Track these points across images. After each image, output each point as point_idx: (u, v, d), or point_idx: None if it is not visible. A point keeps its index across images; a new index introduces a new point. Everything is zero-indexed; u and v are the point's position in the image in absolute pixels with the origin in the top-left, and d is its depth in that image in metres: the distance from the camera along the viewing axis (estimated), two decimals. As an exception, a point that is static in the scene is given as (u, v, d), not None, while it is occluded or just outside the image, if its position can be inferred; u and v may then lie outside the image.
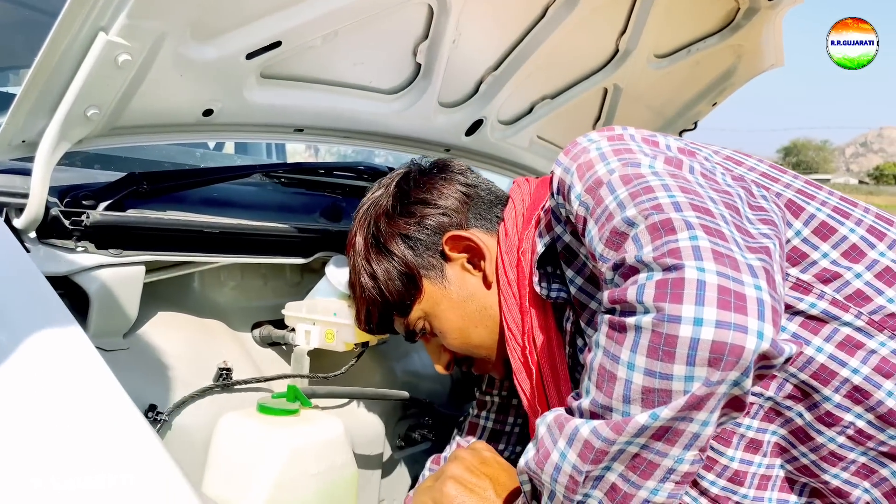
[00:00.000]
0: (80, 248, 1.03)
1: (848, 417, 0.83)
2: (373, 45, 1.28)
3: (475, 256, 1.09)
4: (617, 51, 1.71)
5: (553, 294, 0.98)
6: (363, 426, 1.33)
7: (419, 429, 1.46)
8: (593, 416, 0.69)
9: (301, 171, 1.41)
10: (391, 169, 1.65)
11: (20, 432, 0.67)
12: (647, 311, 0.63)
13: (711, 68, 1.92)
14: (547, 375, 1.00)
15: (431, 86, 1.43)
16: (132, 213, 1.09)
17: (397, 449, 1.44)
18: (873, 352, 0.82)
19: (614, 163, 0.81)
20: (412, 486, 1.43)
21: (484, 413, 1.28)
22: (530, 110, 1.76)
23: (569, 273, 0.95)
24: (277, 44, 1.11)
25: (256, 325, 1.35)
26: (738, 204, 0.76)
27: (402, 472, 1.44)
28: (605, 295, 0.69)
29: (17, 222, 0.98)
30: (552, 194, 0.91)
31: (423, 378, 1.51)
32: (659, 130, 2.08)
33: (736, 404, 0.66)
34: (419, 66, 1.39)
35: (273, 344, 1.34)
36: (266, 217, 1.28)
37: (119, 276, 1.06)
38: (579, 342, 1.00)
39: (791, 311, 0.85)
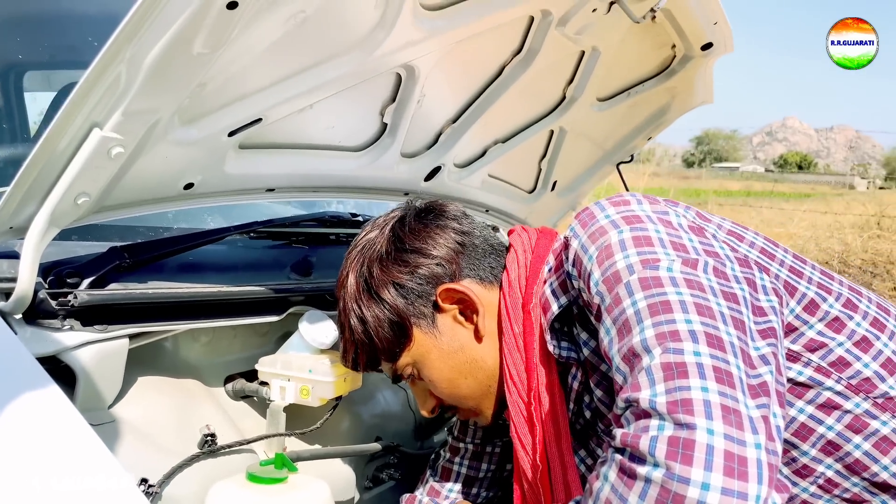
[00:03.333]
0: (66, 327, 1.04)
1: (820, 469, 0.96)
2: (344, 110, 1.32)
3: (467, 309, 1.09)
4: (564, 97, 1.80)
5: (564, 354, 1.03)
6: (337, 473, 1.38)
7: (386, 469, 1.52)
8: None
9: (271, 225, 1.44)
10: (354, 215, 1.71)
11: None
12: (657, 466, 0.70)
13: (648, 107, 2.04)
14: (549, 432, 1.05)
15: (396, 141, 1.49)
16: (117, 290, 1.10)
17: (366, 490, 1.50)
18: (848, 412, 0.94)
19: (633, 257, 0.87)
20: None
21: (458, 459, 1.35)
22: (483, 153, 1.83)
23: (583, 336, 1.01)
24: (258, 120, 1.14)
25: (229, 379, 1.38)
26: (744, 317, 0.83)
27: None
28: (618, 434, 0.75)
29: (5, 306, 0.99)
30: (567, 262, 0.96)
31: (389, 418, 1.57)
32: (599, 161, 2.22)
33: None
34: (385, 125, 1.44)
35: (245, 397, 1.38)
36: (241, 276, 1.31)
37: (104, 351, 1.08)
38: (586, 399, 1.06)
39: None
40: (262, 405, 1.36)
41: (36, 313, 1.02)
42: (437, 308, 1.10)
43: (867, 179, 63.99)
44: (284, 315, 1.35)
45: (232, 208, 1.50)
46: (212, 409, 1.28)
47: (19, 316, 1.02)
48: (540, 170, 2.09)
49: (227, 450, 1.19)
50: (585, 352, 1.02)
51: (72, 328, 1.05)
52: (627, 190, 2.47)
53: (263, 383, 1.34)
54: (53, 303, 1.03)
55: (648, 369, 0.76)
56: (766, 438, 0.72)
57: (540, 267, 1.08)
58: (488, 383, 1.11)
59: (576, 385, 1.06)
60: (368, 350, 1.12)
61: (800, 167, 78.96)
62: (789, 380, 0.95)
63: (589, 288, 0.90)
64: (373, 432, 1.49)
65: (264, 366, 1.33)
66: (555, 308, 1.02)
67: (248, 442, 1.23)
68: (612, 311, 0.85)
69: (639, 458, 0.72)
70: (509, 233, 1.18)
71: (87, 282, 1.08)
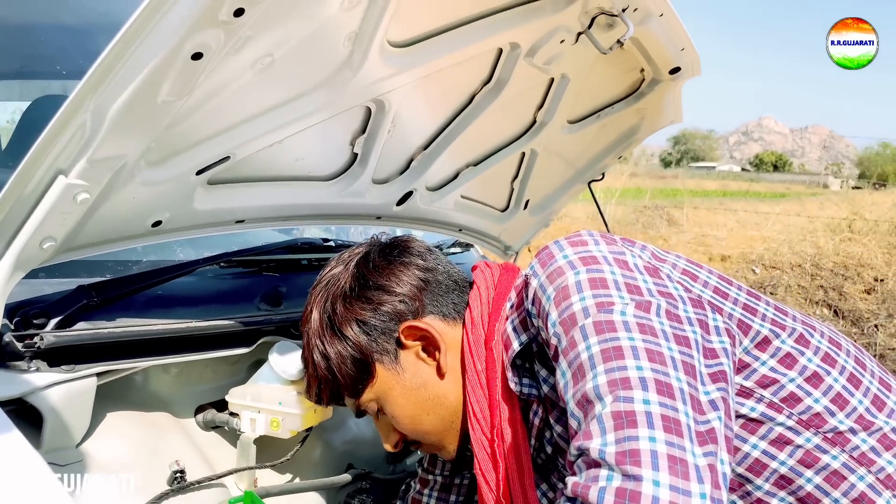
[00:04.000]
0: (33, 369, 1.04)
1: (773, 502, 0.98)
2: (314, 142, 1.33)
3: (430, 345, 1.11)
4: (535, 122, 1.82)
5: (525, 391, 1.05)
6: (308, 502, 1.39)
7: (358, 495, 1.53)
8: None
9: (241, 255, 1.44)
10: (325, 240, 1.71)
11: None
12: None
13: (618, 127, 2.06)
14: (512, 468, 1.07)
15: (367, 170, 1.49)
16: (84, 329, 1.10)
17: (337, 517, 1.50)
18: (799, 447, 0.96)
19: (589, 300, 0.89)
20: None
21: (427, 490, 1.36)
22: (455, 176, 1.84)
23: (542, 373, 1.03)
24: (227, 158, 1.14)
25: (200, 409, 1.38)
26: (694, 361, 0.86)
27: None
28: (570, 482, 0.78)
29: (-31, 350, 0.99)
30: (528, 300, 0.98)
31: (361, 445, 1.58)
32: (570, 180, 2.24)
33: None
34: (356, 154, 1.45)
35: (215, 427, 1.38)
36: (210, 309, 1.31)
37: (72, 392, 1.08)
38: (546, 435, 1.08)
39: (735, 414, 0.97)
40: (232, 435, 1.37)
41: (2, 355, 1.02)
42: (399, 345, 1.11)
43: (841, 179, 64.87)
44: (255, 346, 1.35)
45: (202, 237, 1.50)
46: (182, 442, 1.28)
47: (-16, 358, 1.01)
48: (512, 189, 2.11)
49: (198, 485, 1.20)
50: (545, 388, 1.04)
51: (38, 369, 1.05)
52: (599, 208, 2.49)
53: (234, 414, 1.34)
54: (19, 345, 1.03)
55: (600, 417, 0.79)
56: (712, 487, 0.74)
57: (502, 304, 1.10)
58: (451, 419, 1.13)
59: (537, 421, 1.08)
60: (332, 385, 1.13)
61: (775, 167, 79.88)
62: (742, 416, 0.97)
63: (547, 328, 0.92)
64: (344, 459, 1.50)
65: (234, 397, 1.34)
66: (516, 345, 1.04)
67: (219, 477, 1.23)
68: (567, 354, 0.88)
69: None
70: (473, 268, 1.20)
71: (53, 322, 1.08)
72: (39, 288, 1.14)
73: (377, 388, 1.12)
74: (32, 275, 1.12)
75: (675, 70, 1.78)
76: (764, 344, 0.99)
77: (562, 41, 1.47)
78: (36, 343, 1.03)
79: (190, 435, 1.32)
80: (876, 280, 7.95)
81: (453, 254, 2.42)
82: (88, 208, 0.99)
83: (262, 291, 1.43)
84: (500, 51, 1.45)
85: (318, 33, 1.06)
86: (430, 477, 1.37)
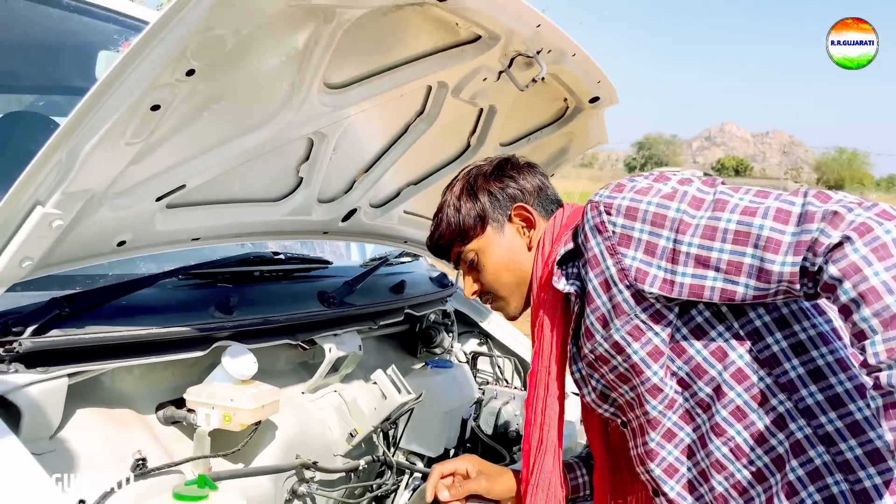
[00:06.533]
0: (12, 370, 1.20)
1: (731, 432, 1.21)
2: (262, 169, 1.51)
3: (528, 226, 1.49)
4: (469, 145, 2.01)
5: (568, 287, 1.36)
6: (257, 489, 1.56)
7: (304, 483, 1.70)
8: None
9: (198, 268, 1.61)
10: (276, 254, 1.88)
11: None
12: None
13: (549, 148, 2.26)
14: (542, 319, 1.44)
15: (311, 191, 1.68)
16: (57, 336, 1.27)
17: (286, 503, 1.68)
18: (754, 384, 1.20)
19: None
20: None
21: None
22: (398, 194, 2.03)
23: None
24: (182, 186, 1.32)
25: (160, 406, 1.54)
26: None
27: (290, 522, 1.69)
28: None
29: (-44, 354, 1.15)
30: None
31: (308, 437, 1.76)
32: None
33: None
34: (301, 178, 1.63)
35: (174, 422, 1.55)
36: (169, 317, 1.48)
37: (46, 390, 1.24)
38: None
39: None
40: (190, 429, 1.53)
41: (-16, 359, 1.18)
42: (509, 218, 1.49)
43: (799, 183, 66.46)
44: (209, 350, 1.52)
45: (162, 254, 1.66)
46: (144, 435, 1.44)
47: (-31, 362, 1.17)
48: (453, 204, 2.30)
49: (157, 472, 1.36)
50: (588, 286, 1.32)
51: (17, 371, 1.21)
52: None
53: (191, 410, 1.51)
54: (0, 350, 1.18)
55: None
56: None
57: (564, 232, 1.43)
58: (522, 282, 1.49)
59: (575, 308, 1.36)
60: (451, 232, 1.51)
61: (737, 171, 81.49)
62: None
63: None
64: (292, 451, 1.67)
65: (192, 395, 1.50)
66: (562, 251, 1.37)
67: (176, 464, 1.40)
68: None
69: None
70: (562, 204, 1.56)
71: (29, 330, 1.24)
72: (17, 300, 1.29)
73: (481, 242, 1.49)
74: (11, 288, 1.28)
75: (594, 99, 1.99)
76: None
77: (484, 79, 1.66)
78: (14, 348, 1.19)
79: (151, 429, 1.49)
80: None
81: (403, 262, 2.61)
82: (62, 232, 1.16)
83: (215, 301, 1.59)
84: (430, 87, 1.64)
85: (261, 82, 1.24)
86: None
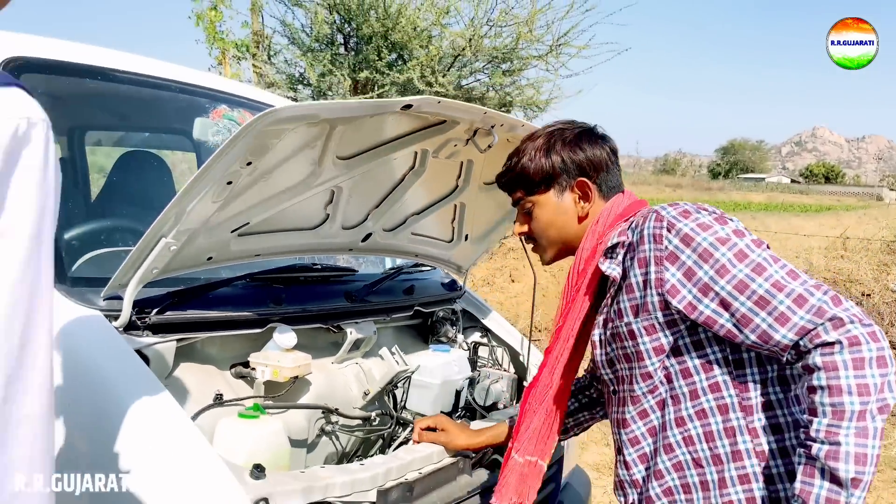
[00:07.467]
0: (144, 335, 2.00)
1: (689, 426, 1.46)
2: (301, 209, 2.27)
3: (585, 199, 1.67)
4: (457, 186, 2.73)
5: (609, 270, 1.54)
6: (296, 423, 2.32)
7: (328, 424, 2.45)
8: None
9: (261, 273, 2.39)
10: (314, 264, 2.65)
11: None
12: None
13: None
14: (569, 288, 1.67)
15: (336, 223, 2.43)
16: (170, 315, 2.06)
17: (316, 437, 2.43)
18: (723, 397, 1.45)
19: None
20: (328, 461, 2.43)
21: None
22: (404, 222, 2.77)
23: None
24: (247, 223, 2.10)
25: (233, 365, 2.33)
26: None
27: (320, 450, 2.43)
28: None
29: (115, 324, 1.95)
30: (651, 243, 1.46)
31: (334, 393, 2.51)
32: (502, 217, 3.16)
33: None
34: (328, 214, 2.39)
35: (242, 377, 2.33)
36: (240, 306, 2.26)
37: (163, 348, 2.03)
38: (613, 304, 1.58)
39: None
40: (251, 382, 2.31)
41: (130, 327, 1.99)
42: (570, 187, 1.69)
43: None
44: (265, 328, 2.30)
45: (236, 265, 2.45)
46: (222, 382, 2.23)
47: (122, 328, 1.98)
48: (453, 227, 3.01)
49: (229, 402, 2.14)
50: (630, 279, 1.51)
51: (147, 335, 2.00)
52: (531, 265, 3.36)
53: (252, 368, 2.28)
54: (138, 322, 1.99)
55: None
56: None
57: (618, 221, 1.63)
58: (564, 242, 1.72)
59: (612, 290, 1.58)
60: (518, 179, 1.74)
61: (826, 178, 78.49)
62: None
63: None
64: (321, 401, 2.43)
65: (253, 358, 2.27)
66: (613, 240, 1.56)
67: (241, 400, 2.18)
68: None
69: None
70: (622, 189, 1.74)
71: (155, 310, 2.04)
72: (148, 293, 2.09)
73: (542, 199, 1.72)
74: (146, 286, 2.09)
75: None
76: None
77: (455, 145, 2.38)
78: (146, 321, 1.99)
79: (226, 379, 2.27)
80: (863, 295, 8.52)
81: (421, 270, 3.33)
82: (175, 253, 1.95)
83: (271, 296, 2.37)
84: (416, 152, 2.37)
85: (295, 159, 2.00)
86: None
